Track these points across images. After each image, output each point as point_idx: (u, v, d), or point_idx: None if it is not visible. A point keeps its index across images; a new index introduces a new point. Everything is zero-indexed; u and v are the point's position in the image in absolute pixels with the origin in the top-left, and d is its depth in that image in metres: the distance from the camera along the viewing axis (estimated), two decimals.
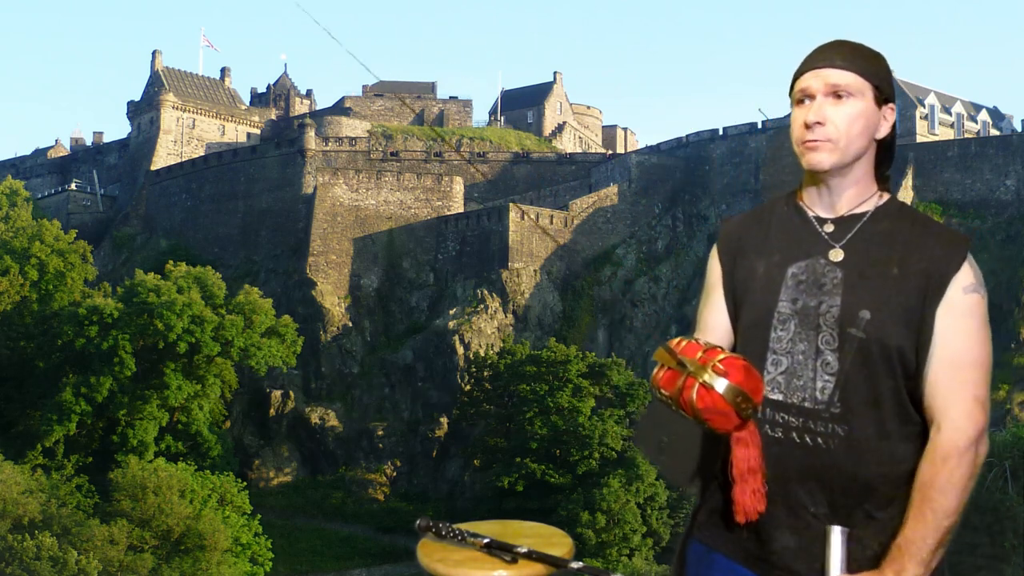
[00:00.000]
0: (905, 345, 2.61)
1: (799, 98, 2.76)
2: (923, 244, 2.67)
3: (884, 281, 2.64)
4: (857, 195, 2.77)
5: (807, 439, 2.65)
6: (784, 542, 2.67)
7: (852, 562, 2.61)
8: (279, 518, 61.42)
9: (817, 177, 2.78)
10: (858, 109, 2.72)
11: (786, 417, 2.68)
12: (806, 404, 2.67)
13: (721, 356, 2.46)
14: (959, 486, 2.54)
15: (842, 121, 2.70)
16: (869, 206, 2.77)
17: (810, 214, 2.81)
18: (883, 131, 2.79)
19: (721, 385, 2.42)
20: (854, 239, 2.73)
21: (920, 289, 2.62)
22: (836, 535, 2.59)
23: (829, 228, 2.76)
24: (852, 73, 2.71)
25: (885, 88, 2.76)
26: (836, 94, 2.71)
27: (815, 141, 2.71)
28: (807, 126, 2.72)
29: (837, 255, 2.72)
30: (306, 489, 68.84)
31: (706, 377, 2.43)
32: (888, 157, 2.83)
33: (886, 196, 2.81)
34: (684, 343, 2.53)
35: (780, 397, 2.70)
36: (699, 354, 2.47)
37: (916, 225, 2.71)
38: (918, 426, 2.66)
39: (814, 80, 2.73)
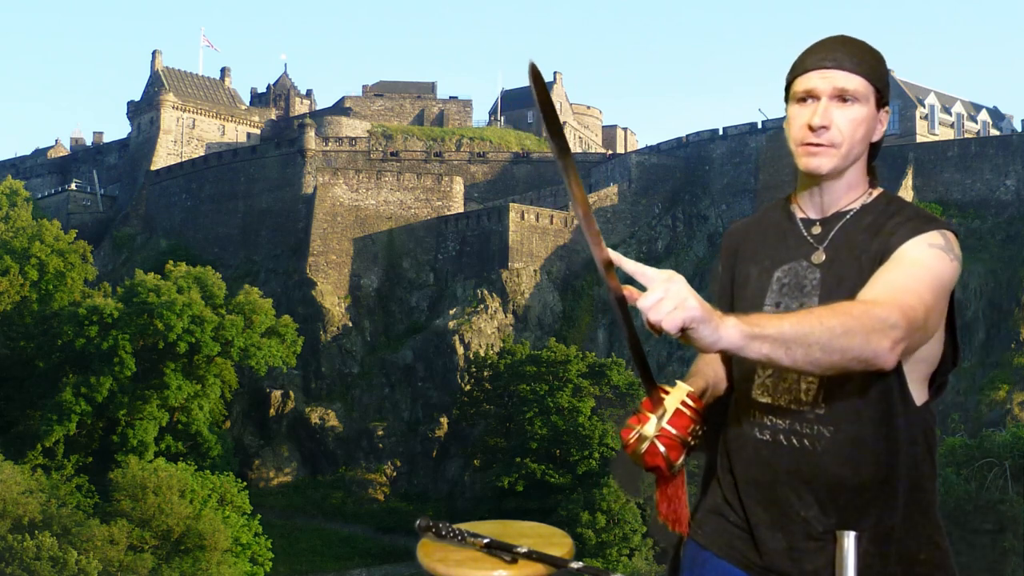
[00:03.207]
0: None
1: (802, 97, 2.68)
2: (887, 228, 2.62)
3: (857, 273, 2.61)
4: (849, 195, 2.73)
5: (794, 441, 2.63)
6: (775, 544, 2.65)
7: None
8: (279, 518, 61.44)
9: (811, 180, 2.74)
10: (863, 114, 2.65)
11: (774, 420, 2.67)
12: (792, 406, 2.65)
13: (672, 431, 2.52)
14: (859, 340, 2.32)
15: (847, 126, 2.64)
16: (857, 204, 2.73)
17: (799, 216, 2.78)
18: (878, 134, 2.73)
19: (641, 447, 2.54)
20: (835, 238, 2.69)
21: (875, 268, 2.58)
22: (849, 540, 2.58)
23: (816, 230, 2.73)
24: (860, 77, 2.64)
25: (886, 92, 2.70)
26: (842, 98, 2.64)
27: (818, 145, 2.65)
28: (811, 128, 2.65)
29: (819, 256, 2.69)
30: (306, 489, 68.85)
31: (645, 431, 2.53)
32: (875, 152, 2.78)
33: (876, 192, 2.76)
34: (687, 398, 2.58)
35: (768, 400, 2.69)
36: (671, 413, 2.54)
37: (895, 215, 2.65)
38: (909, 428, 2.63)
39: (821, 81, 2.64)
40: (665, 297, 2.21)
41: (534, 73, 2.21)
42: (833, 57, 2.65)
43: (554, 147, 2.25)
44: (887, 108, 2.73)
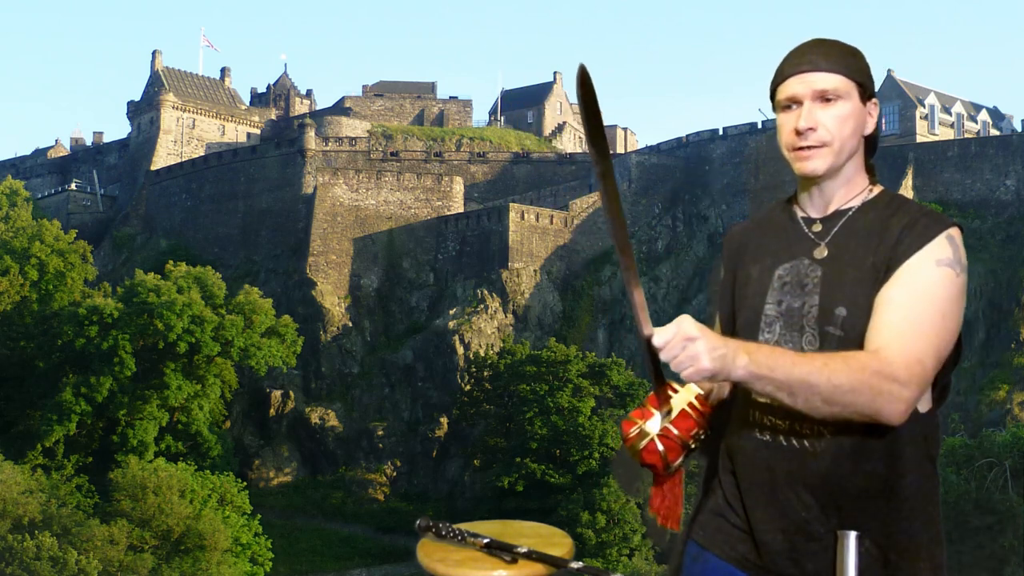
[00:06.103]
0: None
1: (786, 104, 2.72)
2: (892, 230, 2.62)
3: (860, 275, 2.61)
4: (848, 192, 2.74)
5: (794, 442, 2.62)
6: (775, 545, 2.64)
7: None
8: (279, 518, 61.45)
9: (810, 181, 2.75)
10: (847, 110, 2.68)
11: (774, 420, 2.65)
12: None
13: (674, 432, 2.52)
14: (864, 399, 2.41)
15: (833, 124, 2.67)
16: (857, 201, 2.73)
17: (800, 215, 2.79)
18: (870, 127, 2.75)
19: (640, 443, 2.54)
20: (837, 235, 2.69)
21: (881, 278, 2.58)
22: (850, 540, 2.57)
23: (817, 228, 2.74)
24: (838, 75, 2.67)
25: (868, 85, 2.72)
26: (824, 98, 2.67)
27: (809, 148, 2.68)
28: (798, 132, 2.68)
29: (821, 253, 2.69)
30: (306, 489, 68.86)
31: (647, 427, 2.53)
32: (872, 149, 2.80)
33: (877, 189, 2.77)
34: (695, 400, 2.58)
35: (768, 400, 2.65)
36: (677, 413, 2.54)
37: (898, 213, 2.66)
38: (911, 432, 2.61)
39: (800, 85, 2.68)
40: (680, 354, 2.35)
41: (583, 77, 2.24)
42: (808, 60, 2.69)
43: (594, 154, 2.37)
44: (874, 100, 2.75)
